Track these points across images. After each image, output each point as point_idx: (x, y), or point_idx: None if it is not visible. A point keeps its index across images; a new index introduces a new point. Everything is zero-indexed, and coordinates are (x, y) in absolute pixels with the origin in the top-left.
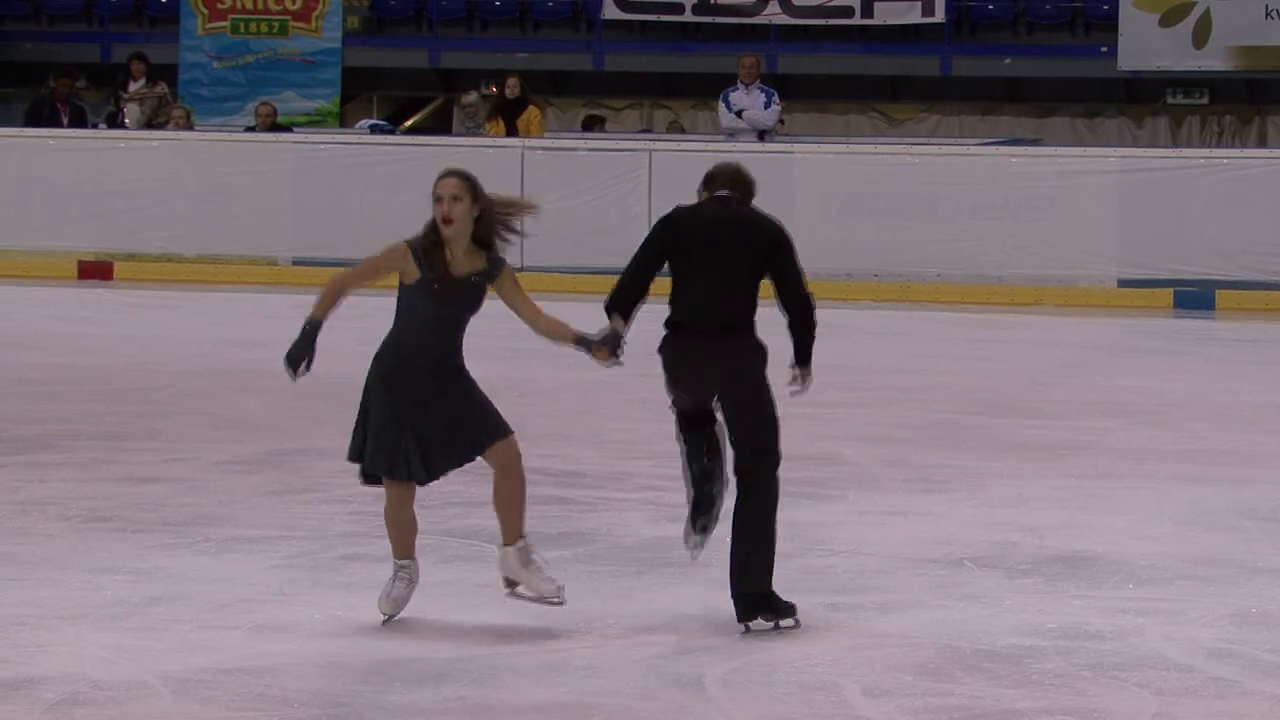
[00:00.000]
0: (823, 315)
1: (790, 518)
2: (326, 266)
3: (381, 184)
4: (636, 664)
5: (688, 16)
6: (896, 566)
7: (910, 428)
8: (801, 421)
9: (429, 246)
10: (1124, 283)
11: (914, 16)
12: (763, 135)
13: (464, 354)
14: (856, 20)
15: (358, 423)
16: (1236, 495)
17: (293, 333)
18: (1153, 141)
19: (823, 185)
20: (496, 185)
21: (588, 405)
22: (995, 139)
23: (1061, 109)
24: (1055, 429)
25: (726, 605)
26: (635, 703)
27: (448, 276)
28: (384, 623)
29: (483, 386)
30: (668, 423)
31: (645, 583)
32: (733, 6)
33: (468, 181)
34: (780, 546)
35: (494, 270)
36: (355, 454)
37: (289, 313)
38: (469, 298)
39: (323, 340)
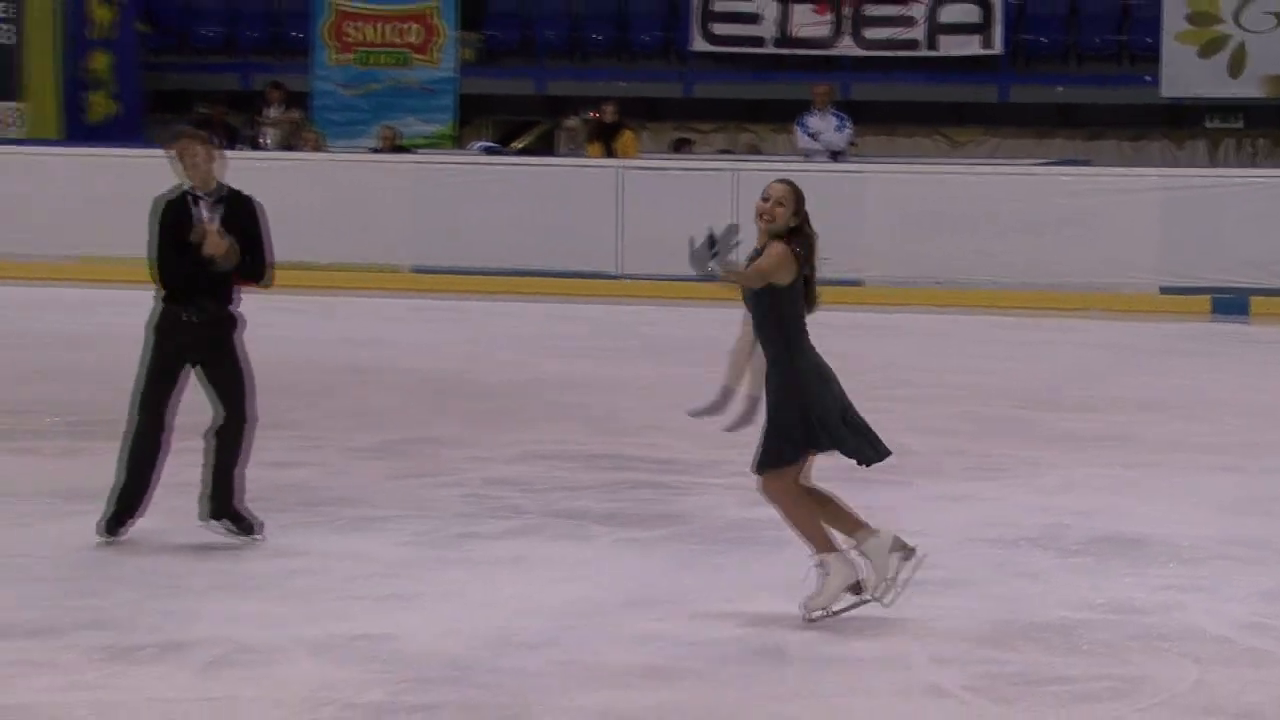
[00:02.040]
0: (890, 319)
1: (862, 502)
2: (443, 274)
3: (492, 199)
4: (724, 633)
5: (768, 49)
6: (958, 546)
7: (970, 421)
8: (872, 415)
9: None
10: (1165, 290)
11: (974, 48)
12: (836, 156)
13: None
14: (922, 52)
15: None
16: (1269, 483)
17: (412, 333)
18: (1192, 162)
19: (891, 202)
20: (595, 202)
21: (681, 400)
22: (1048, 160)
23: (1109, 133)
24: (1103, 422)
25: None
26: (722, 668)
27: None
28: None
29: (584, 384)
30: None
31: (733, 560)
32: (810, 39)
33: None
34: None
35: None
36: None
37: (408, 315)
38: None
39: (433, 340)
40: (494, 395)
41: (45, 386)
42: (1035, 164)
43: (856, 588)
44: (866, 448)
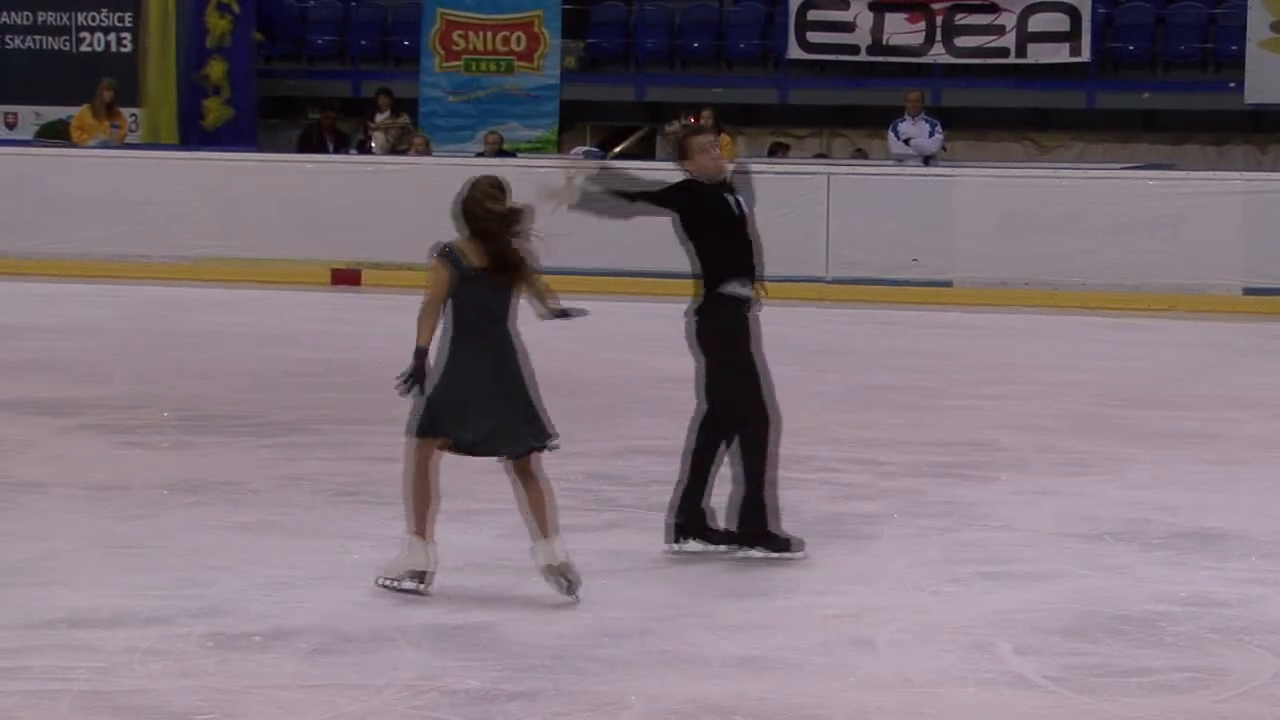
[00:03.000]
0: (980, 319)
1: (951, 496)
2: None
3: None
4: (813, 623)
5: (862, 56)
6: (1044, 540)
7: (1057, 418)
8: (962, 412)
9: None
10: (1249, 291)
11: (1063, 56)
12: (927, 160)
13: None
14: (1012, 59)
15: None
16: None
17: (525, 328)
18: (1275, 166)
19: (980, 205)
20: None
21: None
22: (1134, 164)
23: (1193, 138)
24: (1187, 420)
25: (892, 573)
26: (812, 658)
27: None
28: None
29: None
30: (845, 412)
31: (823, 552)
32: (902, 47)
33: None
34: (939, 521)
35: None
36: None
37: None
38: None
39: (535, 338)
40: (594, 392)
41: (160, 383)
42: (1121, 168)
43: (421, 577)
44: (491, 445)
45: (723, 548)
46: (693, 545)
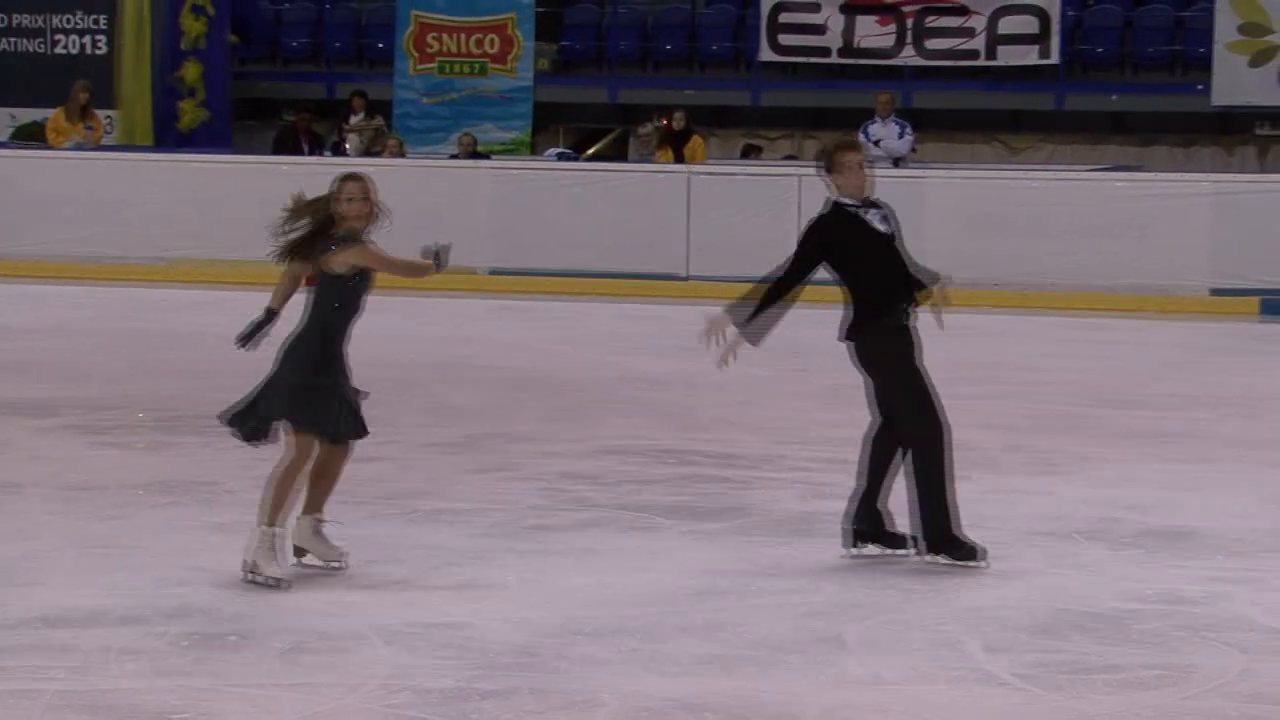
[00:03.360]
0: (950, 319)
1: None
2: (519, 275)
3: (567, 204)
4: (785, 622)
5: (833, 59)
6: (1014, 539)
7: (1027, 417)
8: None
9: None
10: (1215, 291)
11: (1032, 58)
12: (897, 162)
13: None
14: (981, 61)
15: None
16: None
17: (490, 332)
18: (1242, 168)
19: (950, 206)
20: (666, 205)
21: (751, 397)
22: (1102, 166)
23: (1161, 139)
24: (1155, 419)
25: (865, 571)
26: (784, 656)
27: None
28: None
29: (654, 381)
30: (822, 412)
31: (795, 551)
32: (873, 50)
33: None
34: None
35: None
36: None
37: (486, 315)
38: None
39: (509, 339)
40: (567, 392)
41: (136, 384)
42: (1090, 170)
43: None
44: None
45: (901, 551)
46: (871, 549)
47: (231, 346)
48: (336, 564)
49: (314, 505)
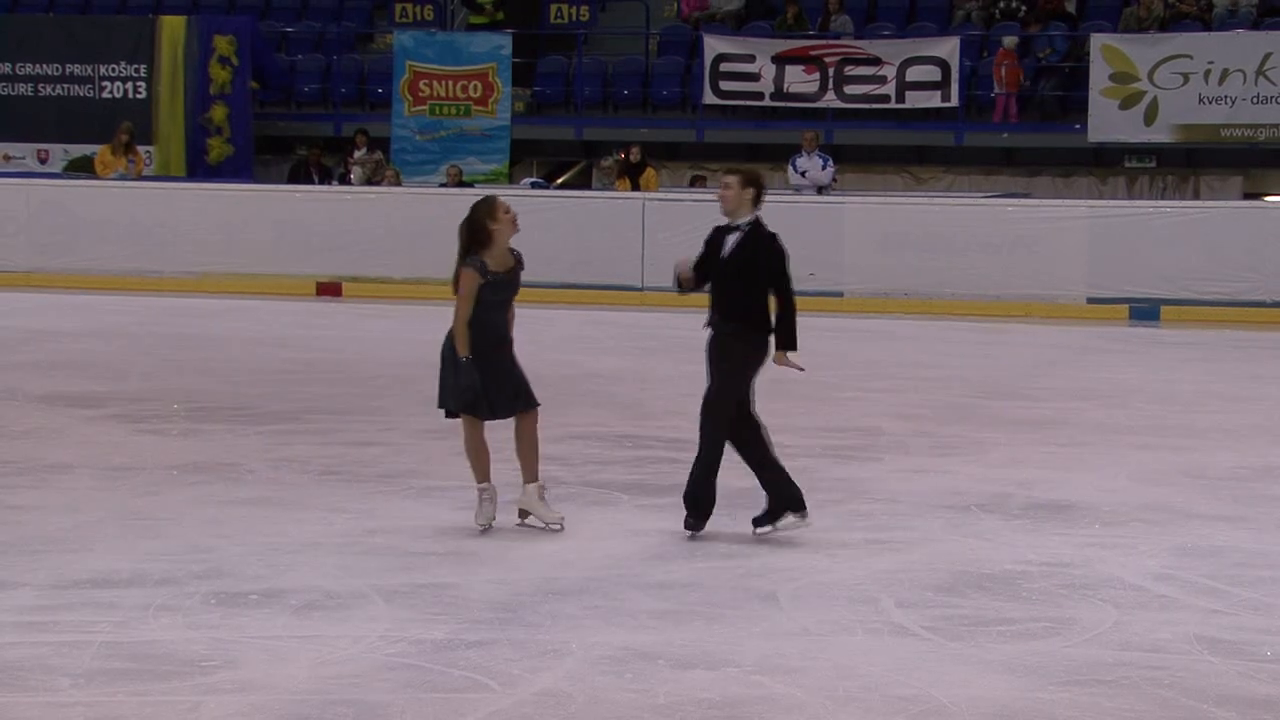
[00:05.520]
0: (866, 324)
1: (842, 474)
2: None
3: (539, 225)
4: (726, 581)
5: (766, 102)
6: (920, 511)
7: (931, 407)
8: (851, 403)
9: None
10: (1091, 300)
11: (935, 102)
12: (821, 190)
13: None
14: (892, 104)
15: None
16: (1177, 459)
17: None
18: (1114, 195)
19: (866, 227)
20: (624, 227)
21: (695, 390)
22: (995, 193)
23: (1045, 170)
24: (1039, 408)
25: (794, 540)
26: (726, 611)
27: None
28: (482, 532)
29: (613, 377)
30: (759, 402)
31: (734, 522)
32: (800, 94)
33: None
34: (833, 495)
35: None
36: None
37: None
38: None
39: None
40: (540, 386)
41: (170, 380)
42: (984, 196)
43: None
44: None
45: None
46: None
47: (252, 347)
48: (555, 527)
49: (527, 474)
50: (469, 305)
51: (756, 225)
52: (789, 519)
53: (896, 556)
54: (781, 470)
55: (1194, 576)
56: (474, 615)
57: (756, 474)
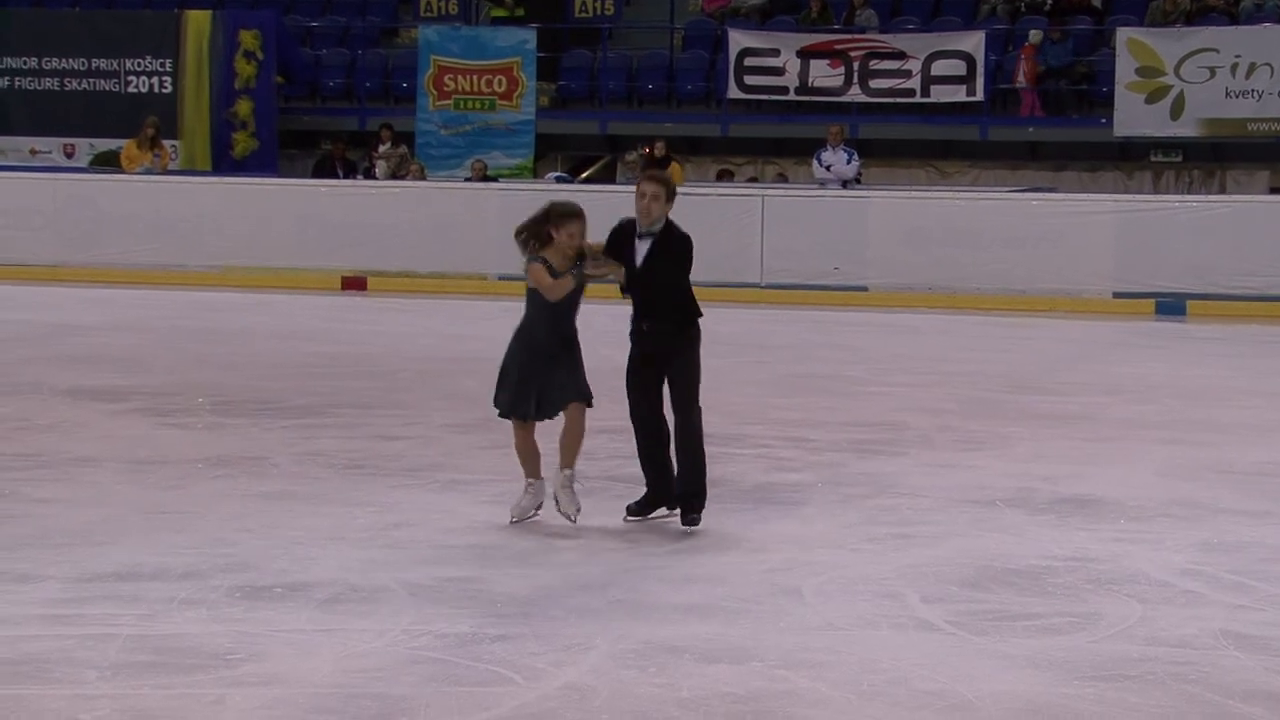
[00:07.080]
0: (891, 318)
1: (868, 468)
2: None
3: None
4: (751, 576)
5: (791, 96)
6: (946, 506)
7: (957, 402)
8: (877, 397)
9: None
10: (1117, 295)
11: (961, 96)
12: (845, 184)
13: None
14: (917, 99)
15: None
16: (1203, 454)
17: (498, 329)
18: (1139, 190)
19: (891, 222)
20: None
21: (718, 384)
22: (1021, 187)
23: (1071, 165)
24: (1065, 403)
25: (819, 534)
26: (750, 605)
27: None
28: (511, 523)
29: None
30: (779, 396)
31: (759, 516)
32: (825, 88)
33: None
34: (858, 490)
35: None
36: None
37: (496, 314)
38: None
39: (495, 332)
40: None
41: (195, 373)
42: (1010, 191)
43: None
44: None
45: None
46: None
47: (276, 341)
48: (569, 517)
49: (562, 460)
50: (559, 286)
51: (669, 228)
52: (663, 511)
53: (921, 551)
54: (671, 467)
55: (1220, 572)
56: (498, 609)
57: (656, 467)
